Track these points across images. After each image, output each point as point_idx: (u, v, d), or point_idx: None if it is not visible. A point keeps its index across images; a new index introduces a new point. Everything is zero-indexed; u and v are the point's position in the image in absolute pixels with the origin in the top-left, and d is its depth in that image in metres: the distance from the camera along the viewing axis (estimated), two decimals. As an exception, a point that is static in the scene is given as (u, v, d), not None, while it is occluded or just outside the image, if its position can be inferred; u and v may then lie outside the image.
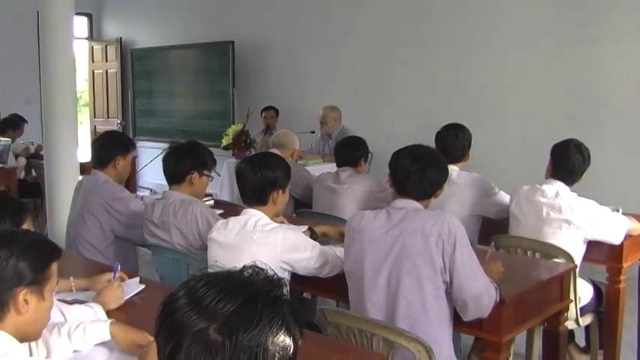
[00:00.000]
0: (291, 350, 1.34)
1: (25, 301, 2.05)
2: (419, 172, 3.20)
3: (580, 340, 4.65)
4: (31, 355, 2.38)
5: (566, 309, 3.89)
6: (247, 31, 10.16)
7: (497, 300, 3.11)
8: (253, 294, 1.34)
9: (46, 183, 6.83)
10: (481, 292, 3.06)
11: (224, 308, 1.31)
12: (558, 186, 4.21)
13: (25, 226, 2.70)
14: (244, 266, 1.42)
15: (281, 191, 3.49)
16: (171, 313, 1.34)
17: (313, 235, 3.91)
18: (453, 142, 4.77)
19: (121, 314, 3.01)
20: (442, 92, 8.21)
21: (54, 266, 2.15)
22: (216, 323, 1.30)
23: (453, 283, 3.05)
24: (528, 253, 4.21)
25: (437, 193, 3.30)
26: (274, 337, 1.31)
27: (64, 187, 6.41)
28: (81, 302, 2.98)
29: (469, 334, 3.55)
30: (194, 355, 1.29)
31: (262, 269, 1.42)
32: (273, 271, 1.43)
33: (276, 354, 1.31)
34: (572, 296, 3.93)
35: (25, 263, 2.04)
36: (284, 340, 1.33)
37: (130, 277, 3.45)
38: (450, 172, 4.57)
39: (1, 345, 2.00)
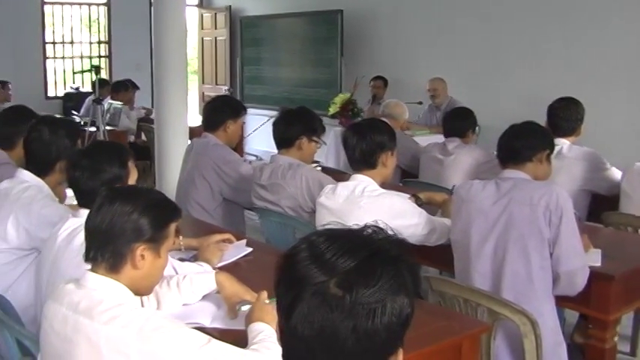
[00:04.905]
0: (408, 311, 1.32)
1: (142, 256, 2.11)
2: (509, 142, 3.31)
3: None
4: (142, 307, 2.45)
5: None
6: (357, 0, 10.10)
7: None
8: (374, 252, 1.32)
9: (156, 146, 7.02)
10: (577, 269, 3.06)
11: (344, 263, 1.29)
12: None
13: (130, 164, 2.81)
14: (365, 224, 1.40)
15: (390, 153, 3.48)
16: (293, 264, 1.34)
17: (418, 202, 3.91)
18: (564, 115, 4.65)
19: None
20: (549, 66, 7.93)
21: (172, 226, 2.20)
22: (337, 277, 1.28)
23: (552, 255, 3.06)
24: (639, 231, 4.09)
25: (537, 157, 3.28)
26: (393, 295, 1.29)
27: (173, 150, 6.57)
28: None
29: (575, 310, 3.53)
30: (314, 307, 1.28)
31: (382, 229, 1.39)
32: (393, 231, 1.41)
33: (394, 312, 1.29)
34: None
35: (146, 220, 2.10)
36: (402, 299, 1.30)
37: (237, 240, 3.51)
38: (560, 146, 4.53)
39: (118, 294, 2.07)
